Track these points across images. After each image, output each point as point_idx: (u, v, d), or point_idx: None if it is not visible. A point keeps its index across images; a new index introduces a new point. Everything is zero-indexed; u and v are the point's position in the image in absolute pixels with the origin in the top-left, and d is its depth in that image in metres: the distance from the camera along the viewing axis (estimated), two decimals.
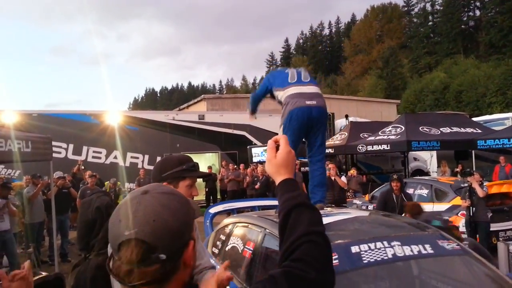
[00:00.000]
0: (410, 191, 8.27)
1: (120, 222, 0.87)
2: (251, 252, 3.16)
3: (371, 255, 2.41)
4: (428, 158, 16.15)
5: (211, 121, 15.79)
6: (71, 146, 13.86)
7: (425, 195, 8.48)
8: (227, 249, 3.64)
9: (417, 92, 44.62)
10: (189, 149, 14.78)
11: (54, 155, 13.09)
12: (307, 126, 3.72)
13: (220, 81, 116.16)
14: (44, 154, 6.94)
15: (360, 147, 12.74)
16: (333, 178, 9.11)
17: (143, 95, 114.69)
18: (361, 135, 14.10)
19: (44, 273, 2.57)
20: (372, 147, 12.44)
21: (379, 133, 12.95)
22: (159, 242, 0.84)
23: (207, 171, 14.19)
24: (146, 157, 14.60)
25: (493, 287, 2.63)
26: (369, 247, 2.45)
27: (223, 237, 3.85)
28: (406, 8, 68.52)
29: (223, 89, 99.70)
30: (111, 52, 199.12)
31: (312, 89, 3.77)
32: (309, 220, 1.04)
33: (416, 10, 64.66)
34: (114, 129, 13.99)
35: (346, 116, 18.30)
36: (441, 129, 12.40)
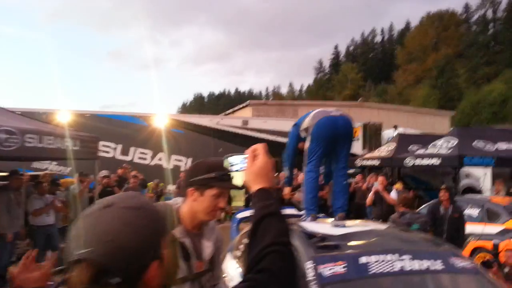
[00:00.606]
0: None
1: (76, 239, 0.80)
2: None
3: (378, 267, 2.47)
4: (482, 176, 15.10)
5: (254, 127, 15.81)
6: (119, 147, 14.43)
7: (476, 215, 7.89)
8: None
9: (473, 104, 42.31)
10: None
11: (103, 154, 13.81)
12: (334, 136, 3.82)
13: (267, 88, 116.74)
14: (91, 153, 7.22)
15: (408, 161, 12.17)
16: (381, 193, 8.54)
17: (192, 100, 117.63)
18: (409, 147, 13.47)
19: None
20: (421, 161, 11.84)
21: (430, 146, 12.32)
22: (114, 264, 0.77)
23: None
24: (190, 160, 14.85)
25: None
26: (378, 258, 2.52)
27: (246, 241, 3.81)
28: (464, 15, 65.29)
29: (269, 96, 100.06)
30: (163, 57, 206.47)
31: (340, 112, 3.97)
32: (278, 230, 1.03)
33: (475, 17, 61.55)
34: (161, 132, 14.39)
35: (395, 127, 17.65)
36: (497, 145, 11.56)
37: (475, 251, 6.93)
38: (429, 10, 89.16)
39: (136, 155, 14.60)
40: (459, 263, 2.66)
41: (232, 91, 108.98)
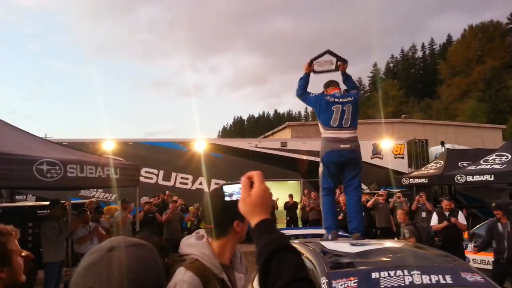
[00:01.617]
0: None
1: (96, 286, 0.77)
2: None
3: (389, 281, 2.68)
4: None
5: (293, 148, 15.63)
6: (161, 172, 14.70)
7: None
8: None
9: None
10: (270, 177, 14.72)
11: (146, 180, 14.14)
12: (341, 165, 4.44)
13: (306, 108, 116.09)
14: (132, 180, 7.33)
15: (459, 178, 11.45)
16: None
17: (231, 123, 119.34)
18: (459, 163, 12.74)
19: None
20: (473, 178, 11.10)
21: (481, 161, 11.57)
22: None
23: (288, 200, 13.97)
24: None
25: None
26: (389, 274, 2.73)
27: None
28: (510, 25, 62.46)
29: (308, 116, 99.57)
30: (203, 83, 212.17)
31: (348, 133, 4.42)
32: (293, 264, 0.95)
33: None
34: (201, 156, 14.55)
35: (442, 143, 16.82)
36: None
37: None
38: (470, 22, 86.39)
39: (178, 180, 14.79)
40: (470, 277, 2.81)
41: (271, 113, 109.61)
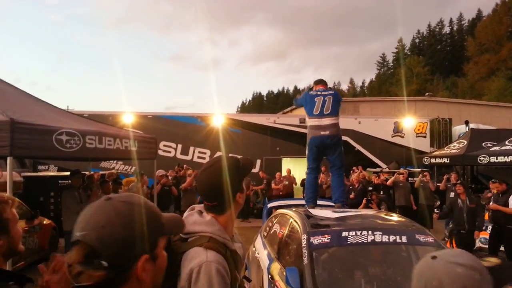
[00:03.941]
0: None
1: (77, 224, 0.90)
2: (282, 233, 4.39)
3: (354, 239, 3.46)
4: None
5: None
6: (179, 146, 14.81)
7: None
8: (271, 232, 4.92)
9: None
10: (289, 153, 14.65)
11: (165, 154, 14.29)
12: (323, 149, 5.31)
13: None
14: (150, 152, 7.38)
15: (482, 158, 11.15)
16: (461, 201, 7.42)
17: (251, 99, 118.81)
18: (483, 144, 12.38)
19: None
20: (497, 159, 10.79)
21: (506, 142, 11.19)
22: (103, 248, 0.85)
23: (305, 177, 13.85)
24: None
25: None
26: (356, 233, 3.50)
27: (270, 224, 5.18)
28: None
29: None
30: (222, 57, 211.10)
31: (329, 120, 5.20)
32: None
33: None
34: (219, 131, 14.55)
35: (466, 122, 16.35)
36: None
37: None
38: None
39: (196, 154, 14.88)
40: (422, 238, 3.55)
41: (291, 89, 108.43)
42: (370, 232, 3.49)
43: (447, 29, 77.72)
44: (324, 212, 4.36)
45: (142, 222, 0.91)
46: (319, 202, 5.69)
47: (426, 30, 79.54)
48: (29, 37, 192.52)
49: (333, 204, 5.52)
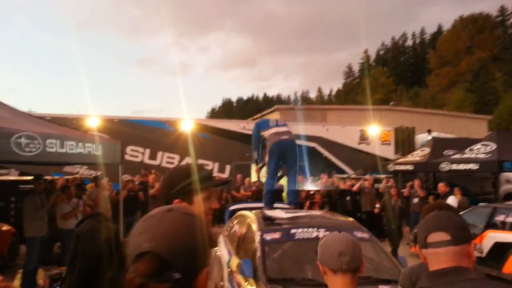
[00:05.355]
0: (500, 218, 7.67)
1: (141, 235, 0.87)
2: (241, 232, 4.90)
3: (301, 235, 4.03)
4: None
5: None
6: (147, 151, 14.48)
7: None
8: (232, 231, 5.42)
9: (511, 109, 40.30)
10: None
11: (132, 158, 13.92)
12: (283, 152, 5.78)
13: (296, 93, 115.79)
14: (115, 157, 7.15)
15: (444, 165, 11.57)
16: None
17: (220, 105, 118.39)
18: (444, 152, 12.86)
19: None
20: (458, 166, 11.22)
21: (466, 151, 11.67)
22: (175, 260, 0.83)
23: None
24: (216, 164, 14.77)
25: (385, 263, 4.10)
26: (302, 230, 4.07)
27: (231, 224, 5.73)
28: (500, 18, 62.69)
29: (298, 100, 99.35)
30: (192, 63, 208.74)
31: (285, 128, 5.94)
32: None
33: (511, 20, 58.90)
34: (187, 136, 14.35)
35: (429, 131, 16.94)
36: None
37: None
38: (461, 13, 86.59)
39: (164, 159, 14.60)
40: (359, 234, 4.08)
41: (261, 96, 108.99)
42: (315, 229, 4.06)
43: (410, 42, 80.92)
44: (278, 213, 4.89)
45: (204, 235, 0.90)
46: (276, 205, 6.09)
47: (391, 43, 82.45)
48: None
49: (288, 206, 6.08)
